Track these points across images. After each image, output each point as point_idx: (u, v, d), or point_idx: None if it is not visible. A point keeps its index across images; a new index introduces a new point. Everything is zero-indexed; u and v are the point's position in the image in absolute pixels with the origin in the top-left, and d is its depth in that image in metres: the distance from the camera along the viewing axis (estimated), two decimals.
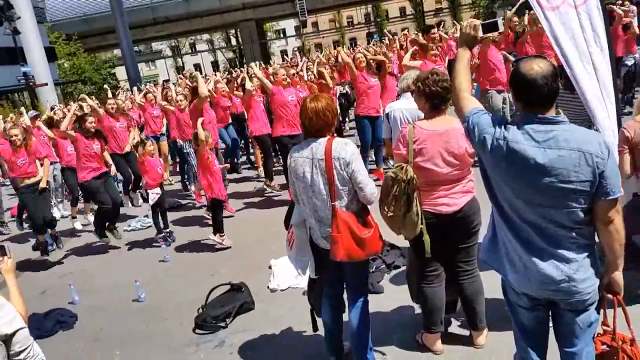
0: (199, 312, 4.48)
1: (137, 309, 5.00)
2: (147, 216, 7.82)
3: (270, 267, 5.16)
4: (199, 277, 5.42)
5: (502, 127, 2.13)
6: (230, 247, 6.09)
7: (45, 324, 4.80)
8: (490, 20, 2.50)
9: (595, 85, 3.77)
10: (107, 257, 6.68)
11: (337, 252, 3.02)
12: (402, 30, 46.46)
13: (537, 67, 2.04)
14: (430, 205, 3.18)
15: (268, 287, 4.86)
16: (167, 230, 6.81)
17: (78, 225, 8.00)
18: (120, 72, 42.39)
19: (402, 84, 4.45)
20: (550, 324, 2.37)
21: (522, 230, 2.17)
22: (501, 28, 2.55)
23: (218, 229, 6.12)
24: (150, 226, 7.50)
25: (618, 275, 2.20)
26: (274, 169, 8.21)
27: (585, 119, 4.24)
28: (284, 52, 55.33)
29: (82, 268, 6.42)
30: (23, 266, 6.77)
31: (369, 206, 3.13)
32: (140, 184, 8.15)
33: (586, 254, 2.13)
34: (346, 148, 2.97)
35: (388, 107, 4.67)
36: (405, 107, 4.38)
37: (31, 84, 23.04)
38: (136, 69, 34.65)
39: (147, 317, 4.81)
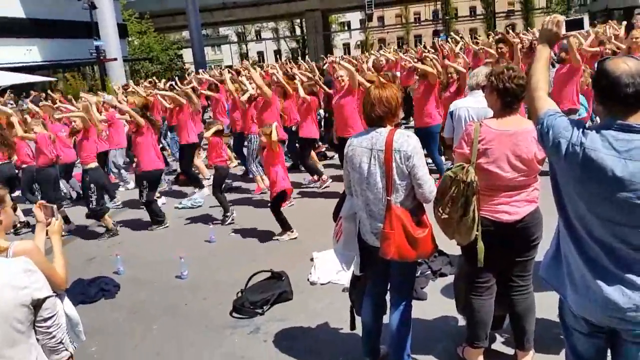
0: (238, 295, 4.45)
1: (178, 285, 5.04)
2: (196, 195, 7.94)
3: (312, 260, 5.06)
4: (242, 261, 5.41)
5: (581, 132, 1.92)
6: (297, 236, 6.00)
7: (89, 290, 4.92)
8: (575, 17, 2.26)
9: None
10: (155, 232, 6.80)
11: (388, 250, 2.87)
12: (471, 30, 45.27)
13: (624, 65, 1.83)
14: (489, 211, 2.96)
15: (308, 280, 4.77)
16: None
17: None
18: (187, 55, 43.50)
19: (472, 80, 4.19)
20: (609, 355, 2.15)
21: (590, 248, 1.96)
22: (587, 27, 2.30)
23: (287, 226, 5.99)
24: (200, 206, 7.60)
25: None
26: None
27: None
28: (346, 45, 55.21)
29: (131, 240, 6.56)
30: (75, 232, 7.02)
31: (424, 205, 2.96)
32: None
33: None
34: (409, 141, 2.82)
35: (453, 104, 4.41)
36: (471, 105, 4.12)
37: (102, 57, 24.00)
38: (202, 53, 35.54)
39: (187, 294, 4.83)
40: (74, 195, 8.61)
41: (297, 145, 8.76)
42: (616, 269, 1.91)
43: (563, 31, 2.22)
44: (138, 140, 6.69)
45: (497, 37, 10.16)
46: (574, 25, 2.25)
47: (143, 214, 7.55)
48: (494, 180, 2.90)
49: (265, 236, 6.10)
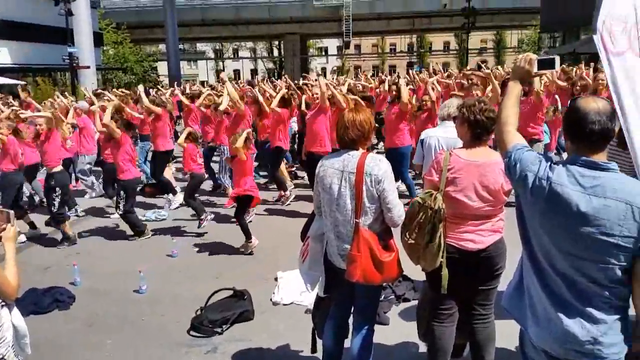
0: (197, 313, 4.34)
1: (136, 299, 4.89)
2: (162, 208, 7.80)
3: (276, 279, 5.00)
4: (204, 277, 5.30)
5: (548, 166, 1.98)
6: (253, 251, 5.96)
7: (43, 300, 4.72)
8: (547, 57, 2.35)
9: None
10: (115, 243, 6.62)
11: (354, 272, 2.86)
12: (444, 64, 46.47)
13: (593, 103, 1.92)
14: (454, 239, 2.99)
15: (271, 300, 4.70)
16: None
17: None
18: (162, 67, 43.19)
19: (443, 111, 4.29)
20: None
21: (552, 280, 1.99)
22: (558, 67, 2.39)
23: (248, 234, 5.98)
24: (164, 219, 7.45)
25: None
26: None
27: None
28: (323, 70, 55.80)
29: (90, 250, 6.36)
30: (33, 239, 6.76)
31: (392, 230, 2.97)
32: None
33: (618, 316, 1.93)
34: (380, 165, 2.85)
35: (424, 133, 4.51)
36: (441, 134, 4.21)
37: (75, 64, 23.58)
38: (178, 66, 35.30)
39: (145, 308, 4.69)
40: (37, 199, 8.33)
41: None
42: (577, 302, 1.95)
43: (535, 69, 2.29)
44: (115, 151, 6.59)
45: (469, 70, 10.50)
46: (546, 64, 2.33)
47: (105, 223, 7.39)
48: (461, 208, 2.94)
49: (230, 252, 6.01)
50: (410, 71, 14.69)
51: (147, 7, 42.60)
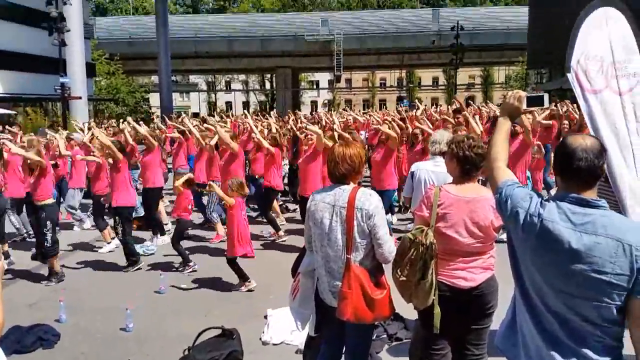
0: (185, 353, 4.22)
1: (122, 337, 4.76)
2: (152, 242, 7.71)
3: (266, 317, 4.91)
4: (192, 315, 5.19)
5: (539, 202, 1.98)
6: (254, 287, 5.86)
7: (27, 338, 4.59)
8: (536, 94, 2.38)
9: (634, 176, 3.60)
10: (103, 278, 6.50)
11: (345, 310, 2.81)
12: (432, 99, 47.24)
13: (581, 140, 1.94)
14: (446, 276, 2.97)
15: (260, 339, 4.60)
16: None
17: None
18: (154, 99, 43.41)
19: (434, 147, 4.32)
20: None
21: (545, 319, 1.97)
22: (547, 104, 2.43)
23: (244, 277, 5.87)
24: (152, 254, 7.35)
25: None
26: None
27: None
28: (314, 103, 56.47)
29: (77, 286, 6.22)
30: (18, 274, 6.63)
31: (384, 266, 2.95)
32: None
33: (611, 357, 1.90)
34: (371, 199, 2.84)
35: (414, 166, 4.54)
36: (432, 168, 4.24)
37: (66, 95, 23.62)
38: (170, 98, 35.43)
39: (131, 347, 4.57)
40: (24, 232, 8.19)
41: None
42: (570, 341, 1.92)
43: (524, 106, 2.32)
44: (114, 175, 6.62)
45: (454, 107, 10.61)
46: (535, 101, 2.35)
47: (93, 257, 7.26)
48: (452, 244, 2.93)
49: (219, 288, 5.92)
50: (401, 110, 14.82)
51: (140, 38, 43.04)
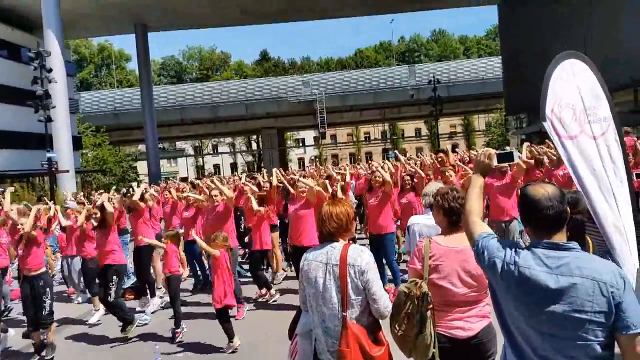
0: None
1: None
2: (144, 312, 7.56)
3: None
4: None
5: (513, 251, 2.08)
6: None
7: None
8: (506, 151, 2.52)
9: (617, 216, 3.70)
10: (95, 352, 6.31)
11: None
12: (417, 149, 48.15)
13: (542, 190, 2.06)
14: (444, 328, 2.97)
15: None
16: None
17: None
18: (142, 167, 43.73)
19: (425, 200, 4.40)
20: None
21: None
22: (517, 160, 2.56)
23: (231, 335, 5.83)
24: (147, 324, 7.19)
25: None
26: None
27: (602, 251, 4.12)
28: (301, 160, 57.18)
29: None
30: (10, 357, 6.43)
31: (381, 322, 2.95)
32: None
33: None
34: (362, 256, 2.87)
35: (410, 220, 4.59)
36: (426, 222, 4.29)
37: (54, 169, 23.71)
38: (158, 166, 35.75)
39: None
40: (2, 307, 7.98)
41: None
42: None
43: (495, 163, 2.45)
44: (106, 238, 6.67)
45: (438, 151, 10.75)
46: (505, 158, 2.50)
47: (84, 330, 7.06)
48: (447, 296, 2.96)
49: (212, 352, 5.78)
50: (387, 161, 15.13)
51: (125, 110, 43.83)
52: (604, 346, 1.92)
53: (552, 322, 1.94)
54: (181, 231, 8.26)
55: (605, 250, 3.86)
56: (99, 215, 6.92)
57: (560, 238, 2.04)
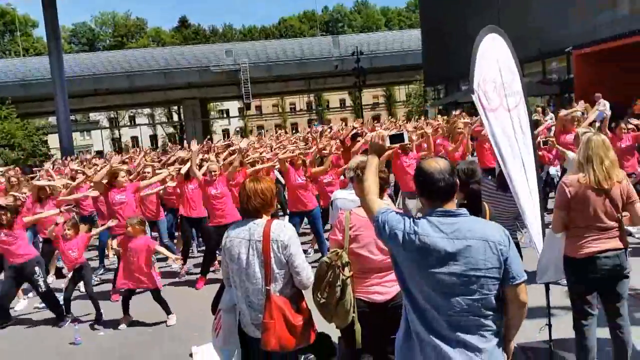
0: None
1: None
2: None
3: (191, 355, 4.81)
4: None
5: (411, 221, 2.26)
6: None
7: None
8: (396, 132, 2.69)
9: (526, 184, 4.04)
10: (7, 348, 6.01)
11: (268, 341, 2.87)
12: (342, 119, 48.78)
13: (434, 164, 2.27)
14: (363, 293, 3.14)
15: None
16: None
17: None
18: (53, 140, 41.00)
19: (348, 173, 4.51)
20: None
21: (436, 322, 2.21)
22: (406, 140, 2.72)
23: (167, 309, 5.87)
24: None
25: (512, 345, 2.37)
26: None
27: (512, 216, 4.48)
28: (226, 131, 56.04)
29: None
30: None
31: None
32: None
33: (497, 340, 2.21)
34: (285, 230, 2.94)
35: (333, 195, 4.71)
36: (348, 196, 4.41)
37: None
38: (70, 139, 33.61)
39: None
40: None
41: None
42: (461, 334, 2.17)
43: (387, 144, 2.60)
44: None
45: (353, 132, 10.54)
46: (396, 138, 2.65)
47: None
48: (365, 263, 3.12)
49: (142, 331, 5.69)
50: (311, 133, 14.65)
51: (33, 80, 40.64)
52: (496, 298, 2.19)
53: (452, 281, 2.16)
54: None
55: (506, 216, 4.21)
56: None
57: (451, 206, 2.27)
